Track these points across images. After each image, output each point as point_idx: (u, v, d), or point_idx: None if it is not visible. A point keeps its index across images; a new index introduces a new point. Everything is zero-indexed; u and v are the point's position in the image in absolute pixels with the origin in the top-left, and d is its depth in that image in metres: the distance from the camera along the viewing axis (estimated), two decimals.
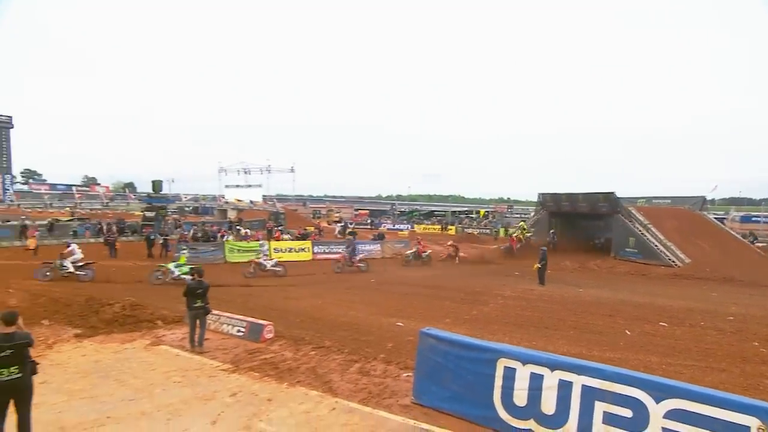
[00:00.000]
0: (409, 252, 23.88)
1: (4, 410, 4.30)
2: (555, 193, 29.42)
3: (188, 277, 15.22)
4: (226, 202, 52.18)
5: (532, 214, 34.40)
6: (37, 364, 4.59)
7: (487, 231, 44.63)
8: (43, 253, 19.35)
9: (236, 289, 14.79)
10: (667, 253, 22.96)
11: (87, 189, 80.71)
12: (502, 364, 5.12)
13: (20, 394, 4.35)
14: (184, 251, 18.38)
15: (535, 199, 32.65)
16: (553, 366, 4.82)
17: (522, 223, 39.56)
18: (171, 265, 16.08)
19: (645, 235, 24.14)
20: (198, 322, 8.00)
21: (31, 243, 21.81)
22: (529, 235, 31.49)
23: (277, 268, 18.63)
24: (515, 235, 30.50)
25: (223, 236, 28.06)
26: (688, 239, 24.34)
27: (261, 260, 18.71)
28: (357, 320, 10.93)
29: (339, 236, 35.30)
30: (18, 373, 4.29)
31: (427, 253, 23.49)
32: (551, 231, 29.47)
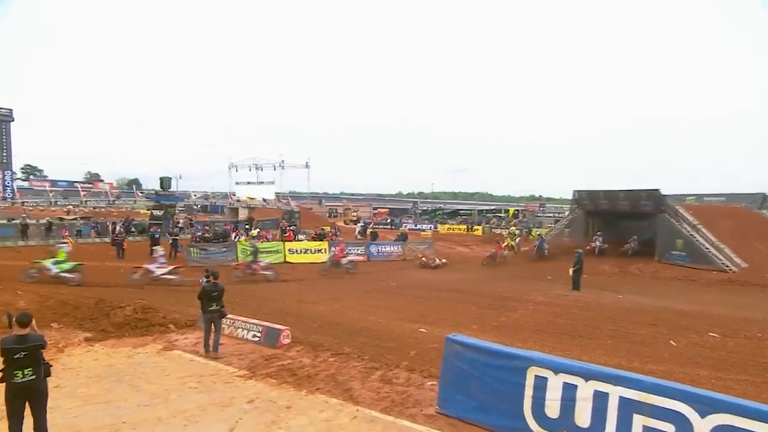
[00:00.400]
0: (326, 259, 22.35)
1: (21, 412, 4.56)
2: (592, 190, 29.06)
3: (69, 275, 14.99)
4: (238, 200, 52.72)
5: (567, 213, 34.00)
6: (51, 366, 4.85)
7: (517, 231, 44.33)
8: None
9: (247, 292, 15.12)
10: (720, 257, 22.45)
11: (90, 186, 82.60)
12: (532, 372, 5.20)
13: (35, 395, 4.62)
14: (63, 245, 16.40)
15: (570, 196, 32.24)
16: (588, 376, 4.87)
17: (513, 227, 39.07)
18: (48, 262, 15.01)
19: (694, 237, 23.65)
20: (213, 326, 8.25)
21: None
22: (518, 240, 31.04)
23: (171, 276, 16.79)
24: (507, 242, 29.61)
25: (236, 236, 28.34)
26: (745, 241, 23.74)
27: (151, 267, 16.82)
28: (378, 326, 11.12)
29: (359, 237, 35.03)
30: (32, 375, 4.55)
31: (348, 260, 21.60)
32: (539, 234, 29.07)
